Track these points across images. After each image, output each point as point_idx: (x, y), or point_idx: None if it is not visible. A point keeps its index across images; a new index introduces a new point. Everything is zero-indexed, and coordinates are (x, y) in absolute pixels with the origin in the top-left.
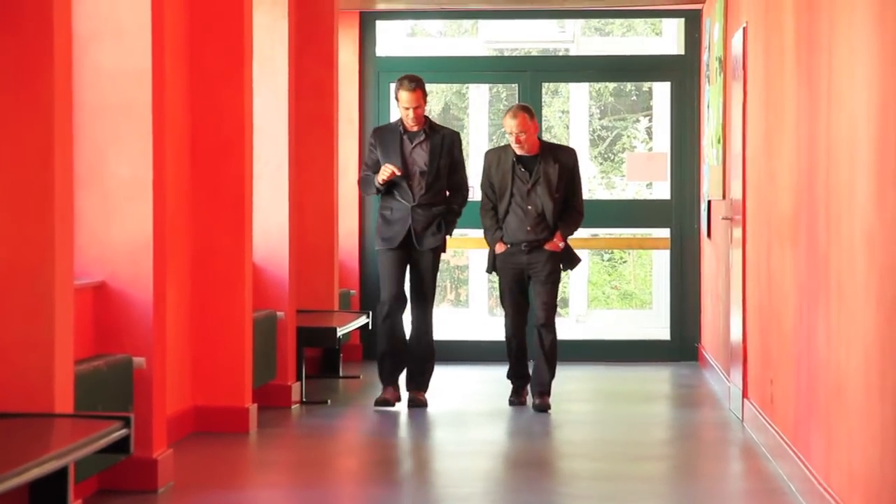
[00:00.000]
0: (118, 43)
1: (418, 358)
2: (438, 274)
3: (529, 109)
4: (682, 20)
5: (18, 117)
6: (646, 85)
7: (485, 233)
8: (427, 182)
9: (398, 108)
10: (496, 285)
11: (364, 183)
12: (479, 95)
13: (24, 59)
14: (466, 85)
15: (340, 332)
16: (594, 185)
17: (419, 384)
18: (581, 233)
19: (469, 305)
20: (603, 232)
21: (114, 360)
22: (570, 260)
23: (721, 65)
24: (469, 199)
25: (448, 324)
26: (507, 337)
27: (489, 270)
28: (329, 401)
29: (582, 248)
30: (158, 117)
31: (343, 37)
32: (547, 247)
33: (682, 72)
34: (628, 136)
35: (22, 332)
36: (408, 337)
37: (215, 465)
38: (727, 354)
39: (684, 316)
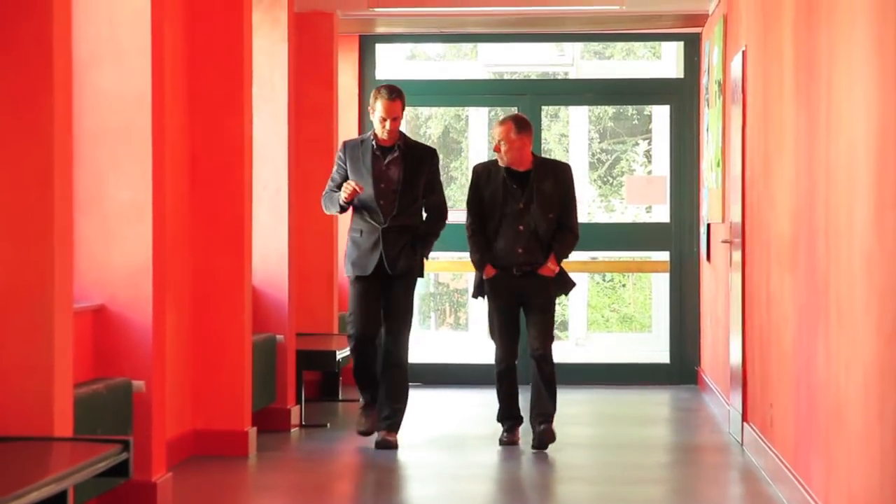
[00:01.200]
0: (118, 66)
1: (390, 396)
2: (416, 300)
3: (520, 120)
4: (682, 44)
5: (18, 141)
6: (645, 108)
7: (471, 255)
8: (400, 202)
9: (372, 119)
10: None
11: (326, 200)
12: (478, 119)
13: (24, 83)
14: (466, 108)
15: (340, 355)
16: (593, 209)
17: (390, 425)
18: (580, 256)
19: (468, 329)
20: (602, 255)
21: (113, 384)
22: (564, 284)
23: (720, 88)
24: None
25: (447, 347)
26: (497, 372)
27: (476, 295)
28: (328, 424)
29: (581, 272)
30: (158, 141)
31: (343, 60)
32: (541, 271)
33: (682, 95)
34: (627, 160)
35: (21, 356)
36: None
37: (215, 489)
38: (727, 378)
39: (684, 339)
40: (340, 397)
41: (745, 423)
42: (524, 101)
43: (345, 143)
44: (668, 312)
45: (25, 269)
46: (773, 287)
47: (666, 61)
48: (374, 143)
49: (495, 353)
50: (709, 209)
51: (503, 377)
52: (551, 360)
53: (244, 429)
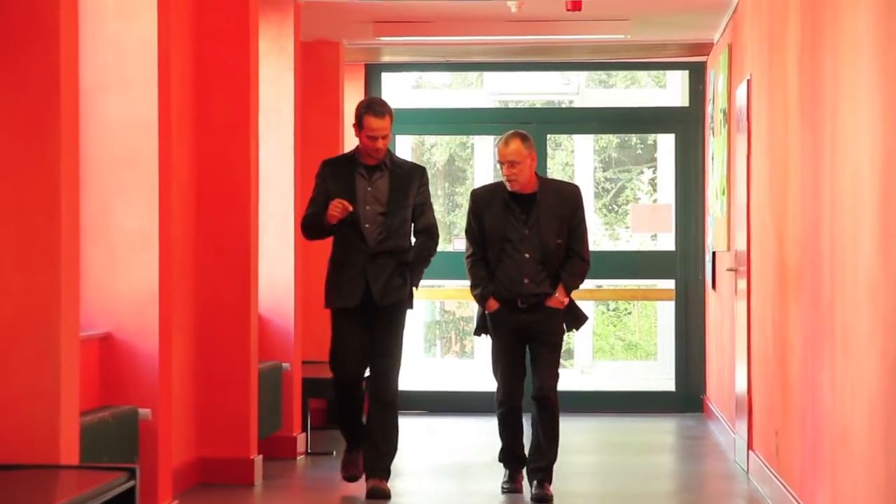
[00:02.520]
0: (125, 95)
1: (380, 439)
2: (405, 335)
3: (526, 136)
4: (687, 72)
5: (25, 169)
6: (650, 137)
7: (472, 288)
8: (388, 225)
9: (358, 138)
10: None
11: (308, 225)
12: (483, 147)
13: (30, 112)
14: (471, 136)
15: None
16: (598, 237)
17: (382, 471)
18: (585, 283)
19: (474, 357)
20: (608, 283)
21: (119, 412)
22: (576, 318)
23: (725, 117)
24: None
25: (453, 375)
26: (499, 414)
27: (478, 332)
28: (335, 452)
29: (587, 300)
30: (164, 169)
31: (349, 89)
32: (549, 303)
33: (687, 124)
34: (633, 188)
35: (28, 383)
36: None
37: None
38: (732, 406)
39: (689, 367)
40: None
41: (750, 451)
42: (529, 130)
43: (325, 163)
44: (673, 340)
45: (32, 296)
46: (778, 315)
47: (671, 90)
48: (358, 161)
49: (496, 393)
50: (714, 237)
51: (506, 419)
52: (555, 401)
53: (250, 456)
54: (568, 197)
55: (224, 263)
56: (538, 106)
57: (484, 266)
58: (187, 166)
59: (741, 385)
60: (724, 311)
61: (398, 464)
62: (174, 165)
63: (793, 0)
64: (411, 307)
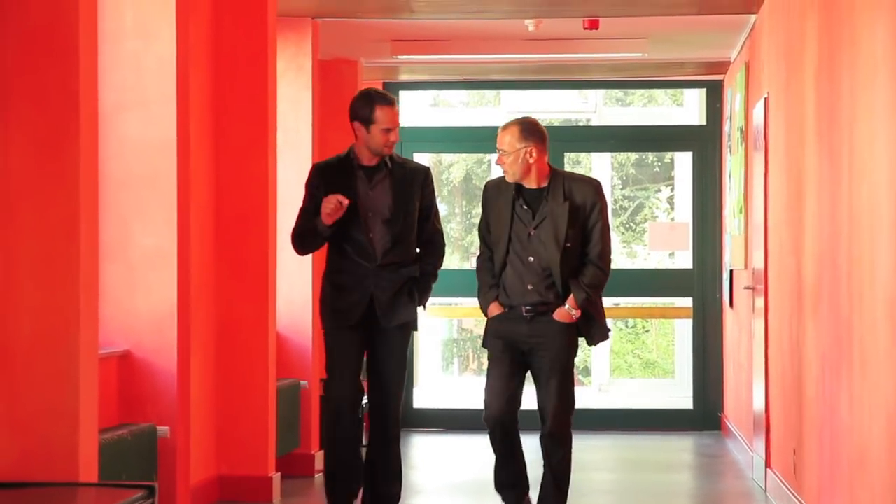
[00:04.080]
0: (143, 114)
1: (385, 478)
2: (408, 358)
3: (528, 124)
4: (704, 90)
5: (44, 188)
6: (668, 155)
7: (478, 292)
8: (393, 233)
9: (364, 134)
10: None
11: (300, 233)
12: None
13: (50, 130)
14: (488, 153)
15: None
16: (616, 255)
17: None
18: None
19: None
20: (625, 301)
21: (138, 430)
22: (596, 331)
23: (742, 135)
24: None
25: (470, 393)
26: (489, 433)
27: (485, 344)
28: None
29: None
30: (183, 188)
31: None
32: (556, 316)
33: (704, 142)
34: (650, 206)
35: (47, 401)
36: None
37: None
38: (750, 423)
39: (707, 385)
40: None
41: (768, 470)
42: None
43: (317, 168)
44: (691, 358)
45: (51, 315)
46: (795, 333)
47: (688, 108)
48: (355, 163)
49: (484, 409)
50: (731, 255)
51: (497, 439)
52: (567, 440)
53: (268, 474)
54: (583, 193)
55: (242, 281)
56: (556, 124)
57: (492, 269)
58: (206, 185)
59: (759, 403)
60: (741, 329)
61: (415, 481)
62: (193, 184)
63: (810, 19)
64: (416, 328)
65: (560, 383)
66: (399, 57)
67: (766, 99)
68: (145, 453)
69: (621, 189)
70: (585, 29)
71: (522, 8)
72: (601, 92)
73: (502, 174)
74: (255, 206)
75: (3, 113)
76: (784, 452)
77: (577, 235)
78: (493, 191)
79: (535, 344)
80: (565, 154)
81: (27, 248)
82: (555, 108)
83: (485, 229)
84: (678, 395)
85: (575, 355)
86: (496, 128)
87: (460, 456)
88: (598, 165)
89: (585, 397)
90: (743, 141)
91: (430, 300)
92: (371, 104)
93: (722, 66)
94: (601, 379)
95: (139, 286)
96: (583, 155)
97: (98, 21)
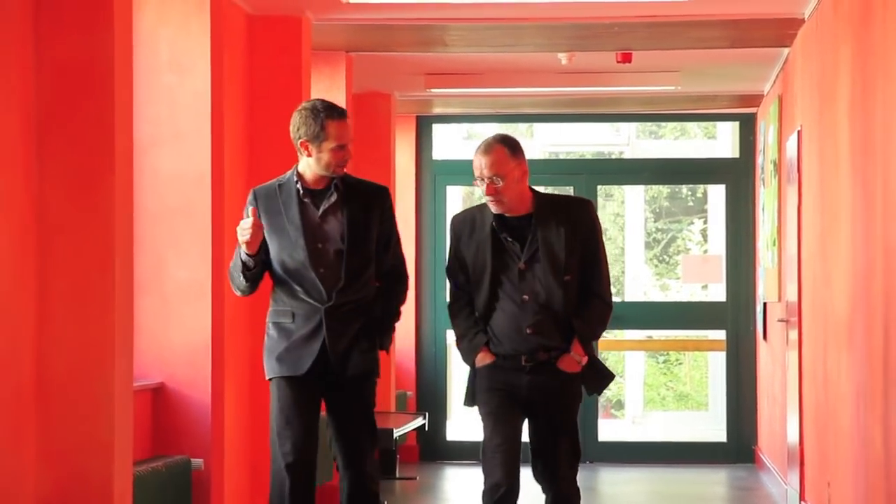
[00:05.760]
0: (178, 147)
1: None
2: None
3: (510, 140)
4: (737, 123)
5: (80, 221)
6: (701, 188)
7: (458, 342)
8: (348, 267)
9: (313, 154)
10: None
11: (234, 270)
12: None
13: (86, 164)
14: None
15: (397, 433)
16: (649, 287)
17: None
18: (636, 334)
19: None
20: (658, 334)
21: (172, 462)
22: (600, 378)
23: (776, 168)
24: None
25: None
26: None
27: (468, 402)
28: (385, 502)
29: (637, 350)
30: (217, 221)
31: (400, 140)
32: (561, 365)
33: (737, 175)
34: (683, 239)
35: (82, 434)
36: None
37: None
38: (784, 456)
39: (741, 418)
40: (398, 475)
41: (802, 503)
42: (580, 181)
43: (254, 193)
44: (724, 391)
45: (87, 347)
46: (830, 365)
47: (721, 141)
48: (299, 186)
49: (485, 480)
50: (765, 288)
51: None
52: (578, 496)
53: None
54: (576, 216)
55: None
56: (588, 157)
57: (471, 312)
58: (240, 218)
59: (793, 436)
60: (775, 361)
61: None
62: (227, 217)
63: (843, 52)
64: (379, 375)
65: (572, 444)
66: (433, 90)
67: (799, 132)
68: (179, 486)
69: (654, 222)
70: (618, 62)
71: (555, 41)
72: (634, 125)
73: (472, 207)
74: None
75: (39, 147)
76: (818, 485)
77: (575, 266)
78: (464, 226)
79: (536, 400)
80: (598, 187)
81: (63, 281)
82: (587, 141)
83: (457, 270)
84: (712, 427)
85: (580, 405)
86: (529, 161)
87: (477, 488)
88: (630, 198)
89: (619, 430)
90: (776, 173)
91: None
92: (320, 119)
93: (755, 99)
94: (634, 411)
95: (173, 319)
96: (616, 188)
97: (134, 56)
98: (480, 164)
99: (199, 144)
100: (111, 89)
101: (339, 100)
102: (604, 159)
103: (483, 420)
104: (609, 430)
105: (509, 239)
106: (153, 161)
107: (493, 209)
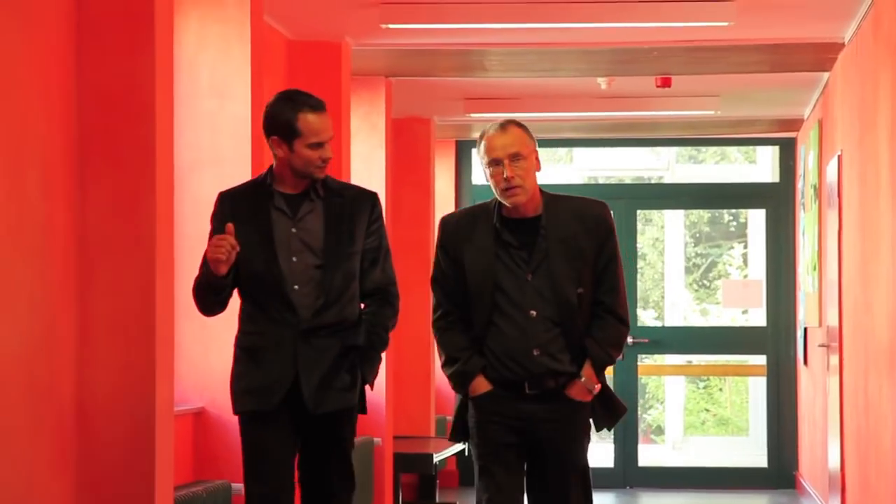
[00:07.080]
0: (218, 172)
1: None
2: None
3: (525, 126)
4: (777, 148)
5: (121, 246)
6: (741, 212)
7: (445, 366)
8: (327, 285)
9: (286, 152)
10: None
11: (199, 289)
12: None
13: (127, 189)
14: None
15: (437, 458)
16: (689, 312)
17: None
18: (676, 359)
19: None
20: (698, 359)
21: (212, 487)
22: (611, 412)
23: (816, 192)
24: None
25: None
26: None
27: (455, 437)
28: None
29: (678, 375)
30: None
31: (439, 164)
32: (571, 393)
33: (777, 199)
34: (723, 264)
35: (123, 458)
36: None
37: None
38: (825, 482)
39: (781, 443)
40: (438, 500)
41: None
42: (619, 205)
43: (223, 197)
44: (765, 416)
45: (128, 372)
46: (871, 391)
47: (761, 165)
48: (274, 189)
49: None
50: (805, 313)
51: None
52: None
53: None
54: (591, 221)
55: None
56: (628, 182)
57: (464, 331)
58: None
59: (834, 461)
60: (816, 386)
61: None
62: None
63: (883, 76)
64: (363, 411)
65: (584, 487)
66: (472, 115)
67: (839, 156)
68: None
69: (694, 246)
70: (658, 87)
71: (595, 66)
72: (674, 149)
73: (468, 207)
74: None
75: (81, 172)
76: None
77: (589, 278)
78: (459, 227)
79: (543, 432)
80: (638, 212)
81: (104, 306)
82: (627, 165)
83: (450, 280)
84: (752, 453)
85: (590, 440)
86: (569, 186)
87: None
88: (670, 223)
89: (659, 455)
90: (816, 198)
91: None
92: (293, 110)
93: (795, 124)
94: (675, 436)
95: (214, 343)
96: (655, 212)
97: (174, 81)
98: (498, 145)
99: (240, 169)
100: (152, 114)
101: (379, 125)
102: (643, 184)
103: (477, 465)
104: (649, 455)
105: (514, 244)
106: (194, 185)
107: (510, 201)
